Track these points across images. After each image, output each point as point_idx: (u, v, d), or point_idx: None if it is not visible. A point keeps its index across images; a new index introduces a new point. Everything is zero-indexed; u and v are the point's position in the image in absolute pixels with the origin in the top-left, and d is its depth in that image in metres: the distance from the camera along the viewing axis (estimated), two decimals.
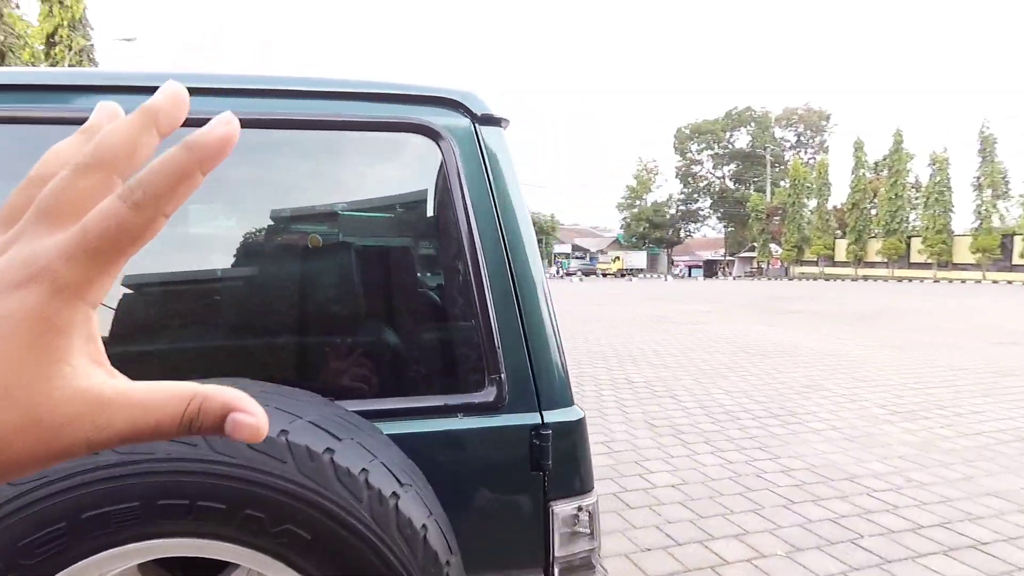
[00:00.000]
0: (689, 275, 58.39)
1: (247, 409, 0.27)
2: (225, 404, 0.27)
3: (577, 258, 64.02)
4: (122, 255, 0.27)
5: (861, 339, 10.54)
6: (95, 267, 0.26)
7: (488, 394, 1.20)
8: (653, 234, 62.04)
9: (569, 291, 27.81)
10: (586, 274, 54.20)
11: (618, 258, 58.37)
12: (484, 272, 1.22)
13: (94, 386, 0.26)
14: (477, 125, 1.29)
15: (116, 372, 0.28)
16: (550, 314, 1.26)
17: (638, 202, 64.00)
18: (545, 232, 55.88)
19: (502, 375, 1.20)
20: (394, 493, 0.95)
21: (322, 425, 0.97)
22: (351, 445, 0.97)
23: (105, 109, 0.31)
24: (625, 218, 64.84)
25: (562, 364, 1.25)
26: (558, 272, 55.67)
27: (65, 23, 24.08)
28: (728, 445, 4.50)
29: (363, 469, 0.94)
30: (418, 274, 1.43)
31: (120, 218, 0.26)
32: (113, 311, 1.17)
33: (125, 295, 1.21)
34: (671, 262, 64.07)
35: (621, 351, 9.25)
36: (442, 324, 1.39)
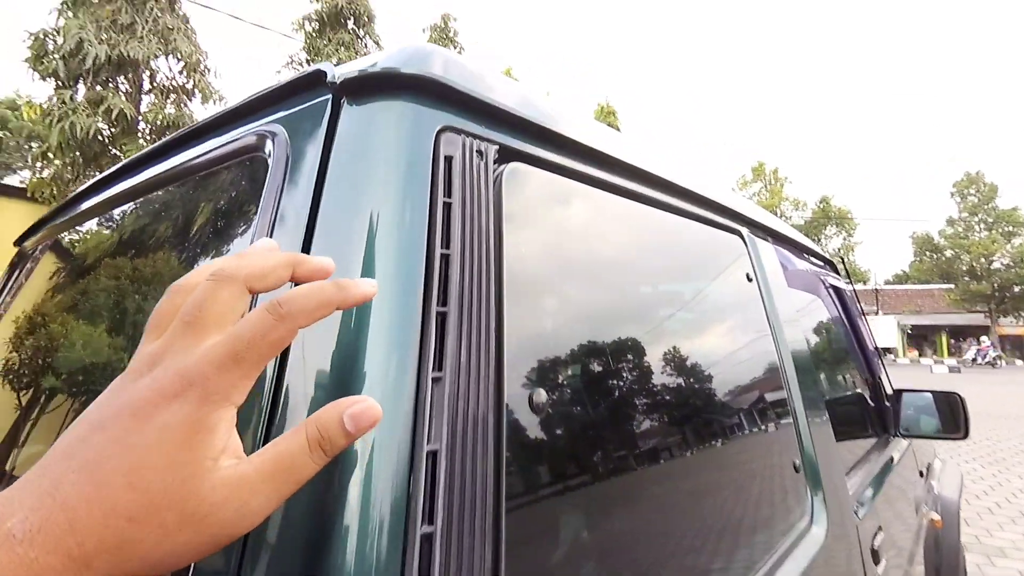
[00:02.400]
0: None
1: (355, 400, 0.33)
2: (336, 408, 0.32)
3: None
4: (263, 362, 0.31)
5: None
6: (240, 373, 0.30)
7: None
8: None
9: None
10: None
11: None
12: None
13: (232, 471, 0.29)
14: (344, 100, 0.59)
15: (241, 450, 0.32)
16: None
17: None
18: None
19: None
20: None
21: None
22: None
23: (263, 242, 0.38)
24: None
25: None
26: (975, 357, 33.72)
27: None
28: None
29: None
30: None
31: (266, 328, 0.31)
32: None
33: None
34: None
35: None
36: None
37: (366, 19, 16.24)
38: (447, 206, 0.55)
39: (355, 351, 0.46)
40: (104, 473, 0.27)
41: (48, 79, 9.89)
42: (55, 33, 9.79)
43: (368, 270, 0.50)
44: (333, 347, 0.47)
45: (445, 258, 0.53)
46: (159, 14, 10.10)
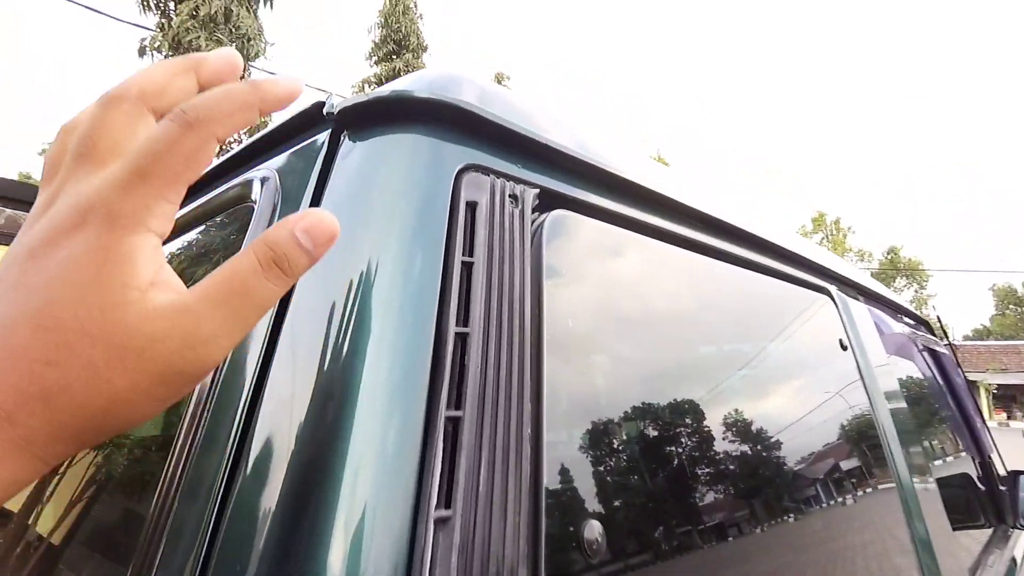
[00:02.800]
0: None
1: (305, 213, 0.29)
2: (284, 225, 0.28)
3: None
4: (178, 180, 0.26)
5: None
6: (151, 192, 0.25)
7: None
8: None
9: None
10: None
11: None
12: None
13: (169, 301, 0.26)
14: (344, 135, 0.47)
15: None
16: None
17: None
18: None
19: None
20: None
21: None
22: None
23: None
24: None
25: None
26: None
27: None
28: None
29: None
30: None
31: (171, 139, 0.26)
32: None
33: None
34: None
35: None
36: None
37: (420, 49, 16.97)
38: (467, 268, 0.41)
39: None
40: (7, 320, 0.24)
41: None
42: None
43: (356, 356, 0.36)
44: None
45: (462, 340, 0.39)
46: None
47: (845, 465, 0.94)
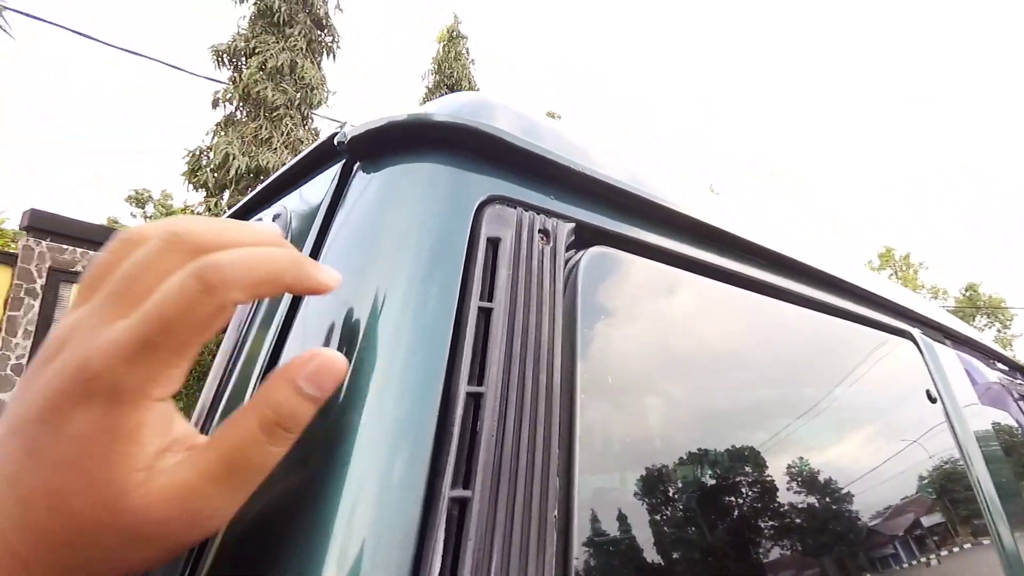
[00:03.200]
0: None
1: (308, 358, 0.27)
2: (284, 377, 0.26)
3: None
4: (186, 349, 0.24)
5: None
6: (158, 364, 0.24)
7: None
8: None
9: None
10: None
11: None
12: None
13: (173, 482, 0.25)
14: (357, 166, 0.43)
15: (197, 437, 0.27)
16: None
17: None
18: None
19: None
20: None
21: None
22: None
23: (266, 230, 0.29)
24: None
25: None
26: None
27: None
28: None
29: None
30: None
31: (189, 302, 0.24)
32: None
33: None
34: None
35: None
36: None
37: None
38: (484, 314, 0.35)
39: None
40: (26, 492, 0.24)
41: (200, 189, 11.38)
42: (208, 150, 11.37)
43: (350, 424, 0.31)
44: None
45: (474, 401, 0.32)
46: (293, 128, 11.46)
47: (937, 529, 0.81)
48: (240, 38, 11.84)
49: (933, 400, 0.91)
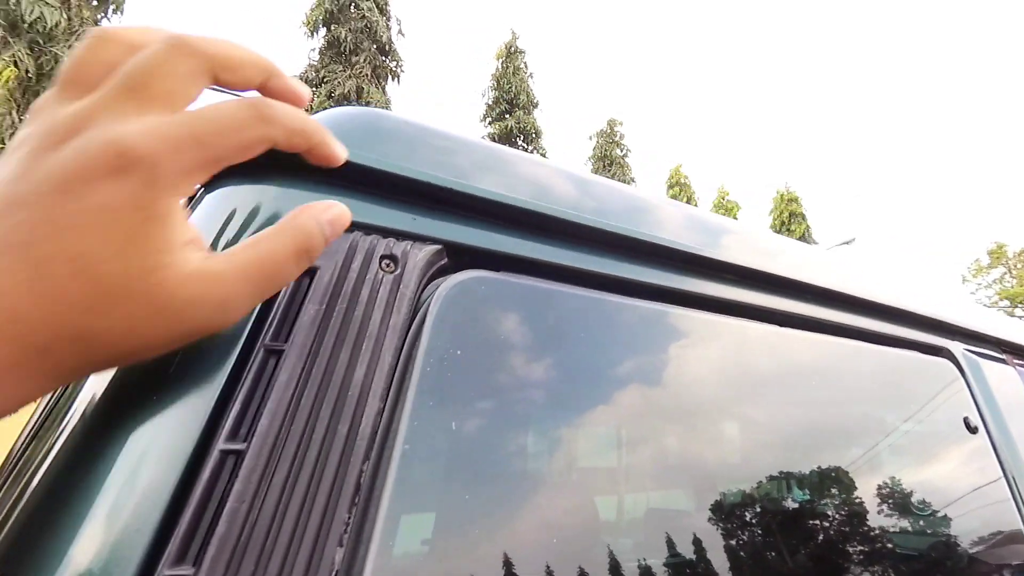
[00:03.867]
0: None
1: (328, 205, 0.32)
2: (312, 214, 0.30)
3: None
4: (221, 161, 0.26)
5: None
6: (197, 161, 0.25)
7: None
8: None
9: None
10: None
11: None
12: None
13: (204, 267, 0.26)
14: (202, 190, 0.40)
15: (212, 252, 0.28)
16: None
17: None
18: None
19: None
20: None
21: None
22: None
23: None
24: None
25: None
26: None
27: None
28: None
29: None
30: None
31: (243, 122, 0.27)
32: None
33: None
34: None
35: None
36: None
37: (534, 135, 17.63)
38: (274, 357, 0.31)
39: None
40: (43, 256, 0.23)
41: None
42: None
43: (83, 502, 0.27)
44: None
45: (234, 459, 0.28)
46: None
47: None
48: (311, 69, 12.53)
49: (973, 430, 0.77)
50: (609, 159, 20.40)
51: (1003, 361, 0.94)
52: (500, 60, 18.26)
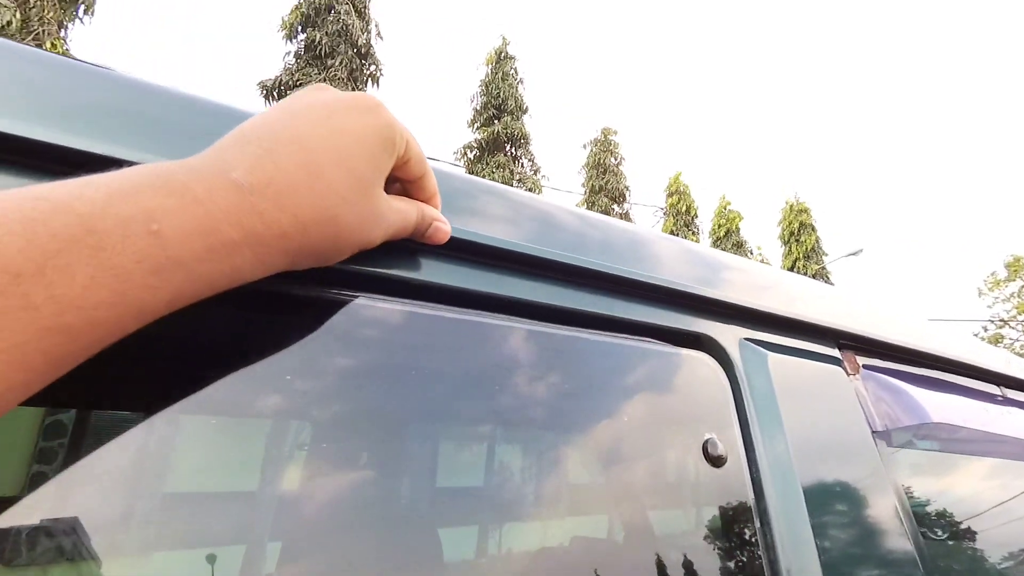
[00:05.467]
0: None
1: (441, 218, 0.41)
2: (431, 213, 0.40)
3: None
4: (406, 184, 0.39)
5: None
6: (405, 164, 0.37)
7: None
8: None
9: None
10: None
11: None
12: None
13: (390, 202, 0.36)
14: None
15: None
16: None
17: None
18: None
19: None
20: None
21: None
22: None
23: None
24: None
25: None
26: None
27: (800, 255, 20.34)
28: None
29: None
30: None
31: (422, 218, 0.39)
32: None
33: None
34: None
35: None
36: None
37: (522, 140, 17.48)
38: None
39: None
40: (315, 147, 0.30)
41: None
42: None
43: None
44: None
45: None
46: None
47: None
48: (286, 72, 12.36)
49: (716, 461, 0.54)
50: (603, 167, 20.18)
51: (805, 357, 0.71)
52: (490, 66, 18.15)
